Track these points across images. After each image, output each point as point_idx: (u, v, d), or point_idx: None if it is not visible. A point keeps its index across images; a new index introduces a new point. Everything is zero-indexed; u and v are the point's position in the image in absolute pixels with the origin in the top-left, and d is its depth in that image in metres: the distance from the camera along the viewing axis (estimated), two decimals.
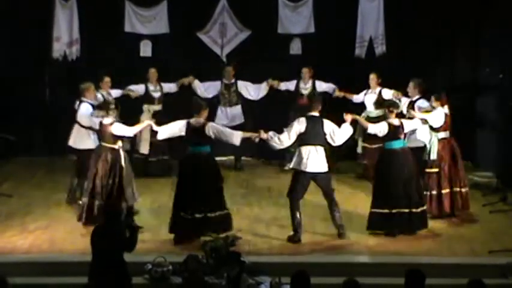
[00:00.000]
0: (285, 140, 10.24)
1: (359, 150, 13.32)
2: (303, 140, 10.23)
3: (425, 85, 12.30)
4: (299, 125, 10.23)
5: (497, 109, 13.60)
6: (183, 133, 10.20)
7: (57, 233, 10.40)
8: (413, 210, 10.43)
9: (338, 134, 10.32)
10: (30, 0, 14.02)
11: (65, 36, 13.72)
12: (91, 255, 8.01)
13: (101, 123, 10.58)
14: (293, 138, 10.24)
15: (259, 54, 14.27)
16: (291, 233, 10.25)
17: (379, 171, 10.63)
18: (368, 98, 13.13)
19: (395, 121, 10.57)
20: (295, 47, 14.22)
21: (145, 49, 14.17)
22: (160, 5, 14.02)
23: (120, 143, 10.54)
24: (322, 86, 13.58)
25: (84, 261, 9.37)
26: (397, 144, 10.53)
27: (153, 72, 13.22)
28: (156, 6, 14.03)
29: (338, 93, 13.41)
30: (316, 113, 10.35)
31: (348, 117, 10.55)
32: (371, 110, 13.04)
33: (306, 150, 10.18)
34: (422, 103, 12.05)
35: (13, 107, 14.41)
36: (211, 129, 10.15)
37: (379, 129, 10.55)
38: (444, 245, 10.22)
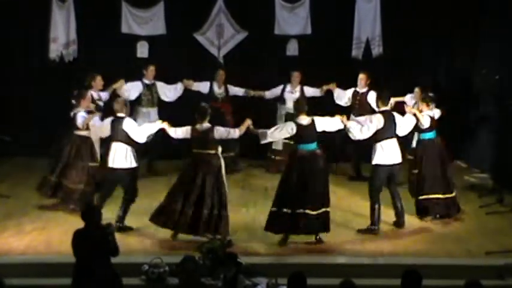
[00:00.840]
0: (366, 133, 10.50)
1: (279, 147, 13.36)
2: (381, 134, 10.53)
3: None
4: (378, 121, 10.49)
5: (494, 110, 13.62)
6: (292, 133, 10.20)
7: (53, 234, 10.39)
8: (451, 195, 11.13)
9: (404, 124, 10.75)
10: (29, 1, 14.03)
11: (62, 37, 13.72)
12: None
13: (194, 129, 10.21)
14: (372, 132, 10.51)
15: (256, 55, 14.28)
16: (368, 226, 10.61)
17: (424, 160, 11.11)
18: (289, 95, 13.40)
19: (431, 112, 11.15)
20: (292, 48, 14.23)
21: (142, 50, 14.17)
22: (157, 6, 14.02)
23: (220, 148, 10.30)
24: (233, 90, 13.58)
25: None
26: (434, 134, 11.17)
27: (99, 79, 12.49)
28: (153, 7, 14.03)
29: (253, 93, 13.53)
30: (387, 108, 10.73)
31: (409, 109, 11.37)
32: (291, 106, 13.11)
33: (386, 144, 10.50)
34: (372, 95, 12.61)
35: (10, 107, 14.42)
36: (318, 124, 10.24)
37: (427, 122, 11.07)
38: (441, 246, 10.23)
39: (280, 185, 10.22)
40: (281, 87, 13.57)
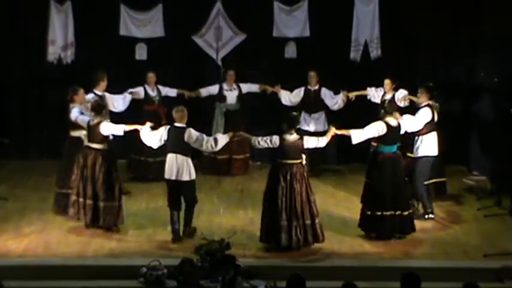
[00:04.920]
0: (419, 126, 10.99)
1: None
2: (431, 126, 11.13)
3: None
4: (427, 114, 11.06)
5: (492, 113, 13.62)
6: (381, 133, 10.23)
7: (52, 236, 10.37)
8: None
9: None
10: (27, 3, 14.03)
11: (60, 39, 13.69)
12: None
13: (283, 139, 9.87)
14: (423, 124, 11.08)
15: (254, 58, 14.28)
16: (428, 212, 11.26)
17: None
18: (228, 93, 13.71)
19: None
20: (290, 51, 14.21)
21: (141, 52, 14.13)
22: (155, 9, 13.99)
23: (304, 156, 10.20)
24: (164, 90, 13.43)
25: (79, 265, 9.41)
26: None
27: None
28: (152, 9, 14.00)
29: (189, 94, 13.55)
30: (430, 102, 11.22)
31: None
32: (232, 103, 13.69)
33: (431, 136, 11.11)
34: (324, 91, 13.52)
35: (9, 110, 14.42)
36: (405, 126, 10.54)
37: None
38: (439, 248, 10.22)
39: (373, 187, 10.31)
40: (217, 86, 13.71)
